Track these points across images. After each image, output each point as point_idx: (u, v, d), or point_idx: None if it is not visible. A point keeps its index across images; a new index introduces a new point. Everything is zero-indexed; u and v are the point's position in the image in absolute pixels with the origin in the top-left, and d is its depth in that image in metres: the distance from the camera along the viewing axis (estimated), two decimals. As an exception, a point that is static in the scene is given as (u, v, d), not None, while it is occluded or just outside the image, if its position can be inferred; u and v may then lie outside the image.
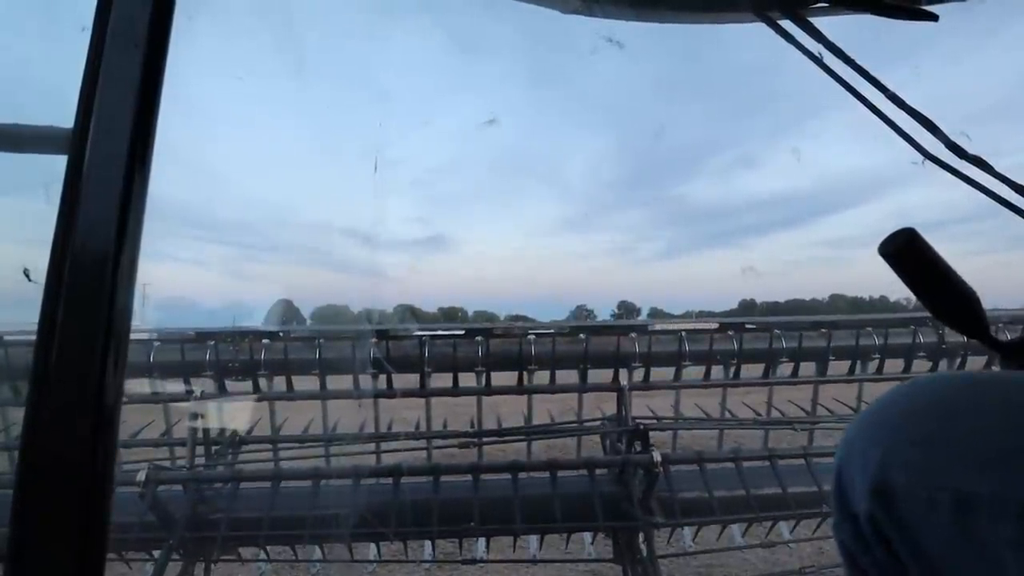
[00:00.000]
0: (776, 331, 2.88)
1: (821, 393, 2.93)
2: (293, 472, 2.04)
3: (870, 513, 0.37)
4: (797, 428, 2.65)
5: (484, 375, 2.67)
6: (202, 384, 2.51)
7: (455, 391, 2.70)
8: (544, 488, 1.97)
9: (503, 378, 2.72)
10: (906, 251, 0.45)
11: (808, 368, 2.91)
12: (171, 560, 1.80)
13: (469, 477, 1.99)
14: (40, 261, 0.44)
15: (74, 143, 0.45)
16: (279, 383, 2.64)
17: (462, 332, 2.73)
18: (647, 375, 2.78)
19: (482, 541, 2.19)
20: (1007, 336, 0.63)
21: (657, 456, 1.88)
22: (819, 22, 0.78)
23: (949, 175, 0.73)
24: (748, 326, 2.95)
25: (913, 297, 0.47)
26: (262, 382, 2.61)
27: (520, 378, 2.71)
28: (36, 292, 0.43)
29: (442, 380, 2.69)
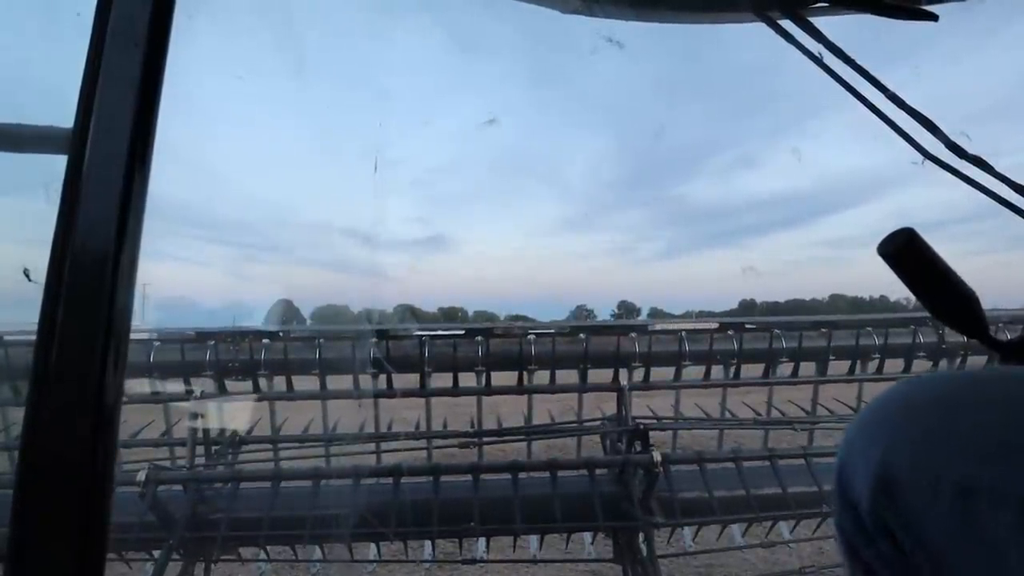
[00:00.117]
0: (776, 331, 2.88)
1: (821, 393, 2.93)
2: (293, 472, 2.04)
3: (872, 505, 0.37)
4: (797, 428, 2.65)
5: (484, 375, 2.67)
6: (202, 384, 2.51)
7: (455, 391, 2.70)
8: (544, 488, 1.97)
9: (503, 378, 2.72)
10: (905, 251, 0.45)
11: (808, 368, 2.91)
12: (171, 560, 1.80)
13: (469, 477, 1.99)
14: (40, 261, 0.44)
15: (74, 143, 0.45)
16: (279, 383, 2.64)
17: (462, 332, 2.73)
18: (647, 375, 2.78)
19: (482, 541, 2.19)
20: (1007, 336, 0.63)
21: (657, 456, 1.88)
22: (819, 22, 0.78)
23: (949, 175, 0.73)
24: (748, 326, 2.95)
25: (913, 297, 0.47)
26: (262, 382, 2.61)
27: (520, 378, 2.71)
28: (36, 292, 0.43)
29: (442, 380, 2.68)
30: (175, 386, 2.53)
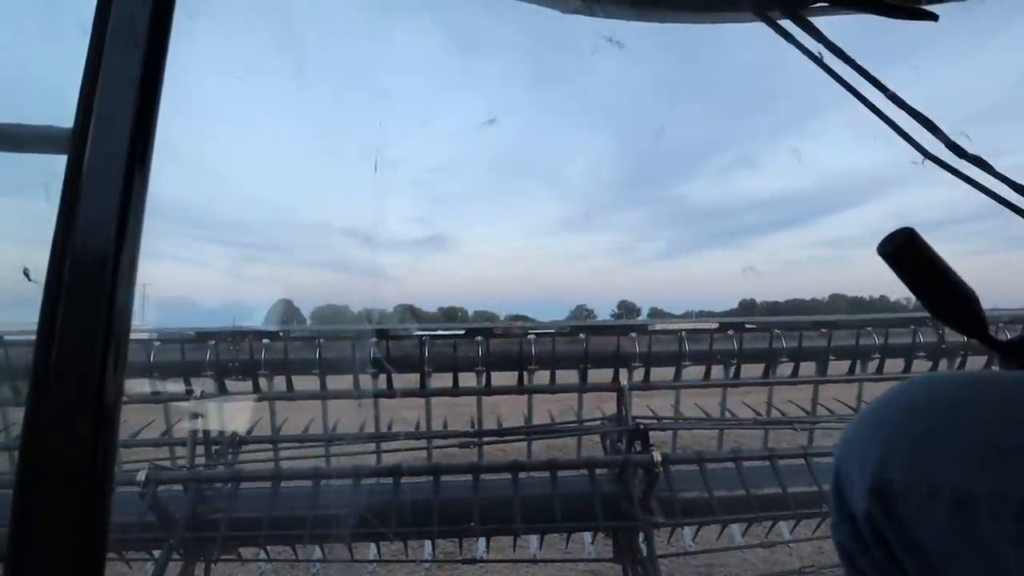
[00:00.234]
0: (776, 331, 2.88)
1: (821, 393, 2.93)
2: (293, 472, 2.04)
3: (868, 513, 0.36)
4: (797, 428, 2.65)
5: (484, 375, 2.67)
6: (202, 384, 2.51)
7: (455, 391, 2.70)
8: (544, 488, 1.97)
9: (503, 378, 2.72)
10: (905, 251, 0.45)
11: (808, 368, 2.91)
12: (171, 560, 1.80)
13: (469, 477, 1.99)
14: (40, 261, 0.44)
15: (74, 143, 0.45)
16: (279, 383, 2.64)
17: (462, 332, 2.73)
18: (647, 375, 2.78)
19: (482, 541, 2.19)
20: (1007, 336, 0.63)
21: (657, 456, 1.88)
22: (819, 22, 0.78)
23: (949, 175, 0.73)
24: (748, 326, 2.95)
25: (913, 297, 0.47)
26: (262, 382, 2.61)
27: (520, 378, 2.71)
28: (36, 292, 0.43)
29: (442, 380, 2.68)
30: (175, 386, 2.53)
